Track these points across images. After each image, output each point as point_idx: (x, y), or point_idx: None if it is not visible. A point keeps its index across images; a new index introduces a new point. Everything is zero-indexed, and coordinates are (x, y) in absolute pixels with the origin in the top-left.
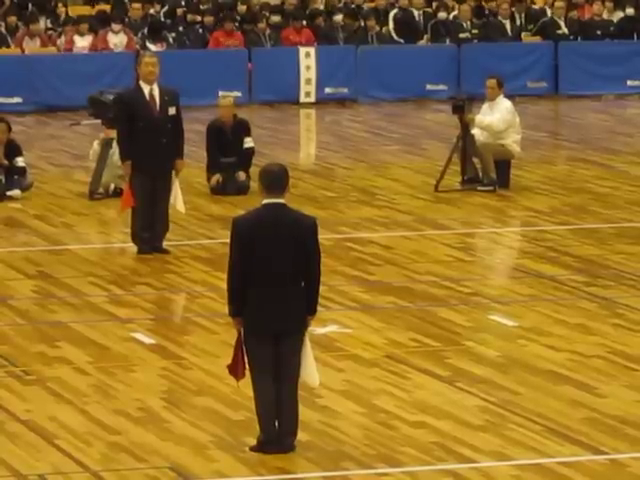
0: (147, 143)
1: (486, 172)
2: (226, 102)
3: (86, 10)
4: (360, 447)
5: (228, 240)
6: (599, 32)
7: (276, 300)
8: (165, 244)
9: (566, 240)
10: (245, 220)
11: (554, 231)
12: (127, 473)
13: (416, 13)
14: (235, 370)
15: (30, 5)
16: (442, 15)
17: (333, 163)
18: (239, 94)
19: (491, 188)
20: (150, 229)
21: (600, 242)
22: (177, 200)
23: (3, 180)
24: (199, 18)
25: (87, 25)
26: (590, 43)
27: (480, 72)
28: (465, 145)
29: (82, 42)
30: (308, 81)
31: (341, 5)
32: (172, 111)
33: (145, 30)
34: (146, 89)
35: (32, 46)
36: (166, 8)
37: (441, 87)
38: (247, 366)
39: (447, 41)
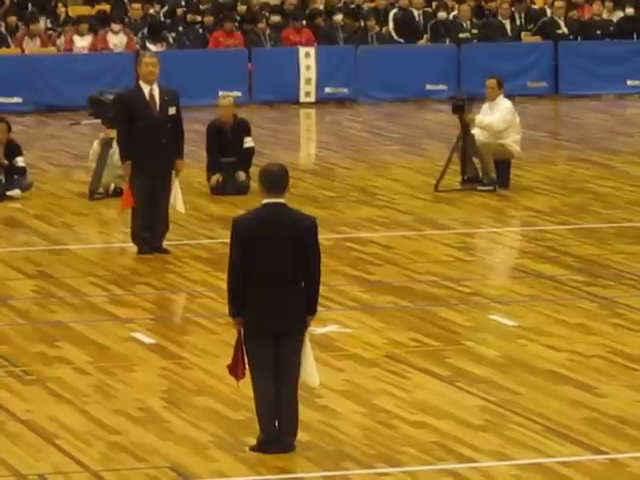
0: (147, 143)
1: (486, 172)
2: (226, 102)
3: (86, 10)
4: (360, 447)
5: (228, 240)
6: (599, 32)
7: (276, 300)
8: (165, 244)
9: (566, 240)
10: (245, 220)
11: (554, 231)
12: (127, 473)
13: (416, 13)
14: (235, 370)
15: (30, 5)
16: (442, 15)
17: (333, 163)
18: (239, 94)
19: (491, 188)
20: (150, 229)
21: (600, 242)
22: (177, 200)
23: (3, 180)
24: (199, 18)
25: (87, 25)
26: (590, 43)
27: (480, 72)
28: (465, 145)
29: (82, 42)
30: (308, 81)
31: (341, 5)
32: (172, 111)
33: (145, 30)
34: (146, 89)
35: (32, 46)
36: (166, 8)
37: (441, 87)
38: (247, 366)
39: (447, 41)
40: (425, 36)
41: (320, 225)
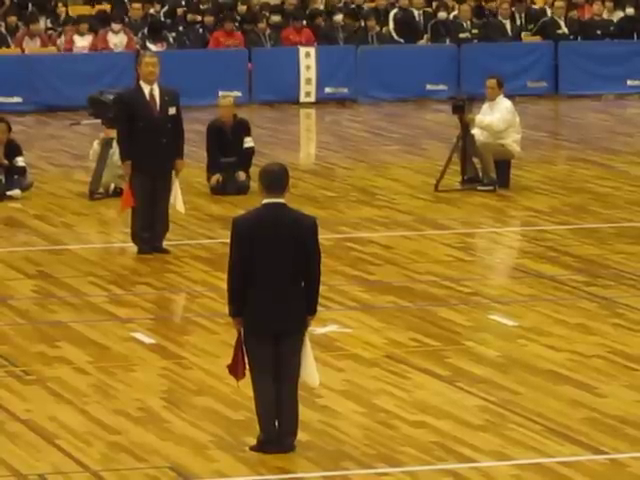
0: (147, 143)
1: (486, 172)
2: (226, 102)
3: (86, 10)
4: (360, 447)
5: (228, 240)
6: (599, 32)
7: (276, 300)
8: (165, 244)
9: (566, 240)
10: (245, 220)
11: (554, 231)
12: (127, 473)
13: (416, 13)
14: (235, 370)
15: (30, 5)
16: (442, 15)
17: (333, 163)
18: (239, 94)
19: (491, 188)
20: (150, 229)
21: (600, 242)
22: (177, 200)
23: (3, 180)
24: (199, 18)
25: (87, 25)
26: (590, 43)
27: (480, 72)
28: (465, 145)
29: (82, 42)
30: (308, 81)
31: (341, 5)
32: (172, 111)
33: (145, 30)
34: (146, 89)
35: (32, 46)
36: (166, 8)
37: (441, 87)
38: (247, 366)
39: (447, 41)
40: (425, 36)
41: (320, 225)
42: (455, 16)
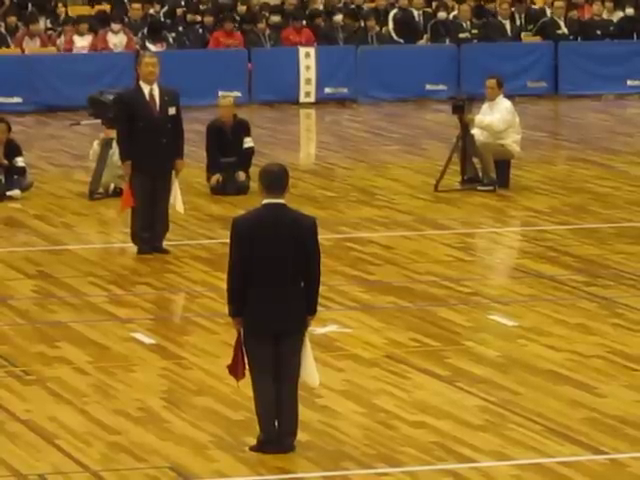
0: (147, 143)
1: (486, 172)
2: (226, 102)
3: (86, 10)
4: (360, 447)
5: (228, 240)
6: (599, 32)
7: (276, 300)
8: (165, 244)
9: (566, 240)
10: (245, 220)
11: (554, 231)
12: (127, 473)
13: (416, 13)
14: (235, 370)
15: (30, 5)
16: (442, 15)
17: (333, 163)
18: (239, 94)
19: (491, 188)
20: (150, 229)
21: (600, 242)
22: (177, 200)
23: (3, 180)
24: (199, 18)
25: (87, 25)
26: (590, 43)
27: (480, 72)
28: (465, 145)
29: (82, 42)
30: (308, 81)
31: (341, 5)
32: (172, 111)
33: (145, 30)
34: (146, 89)
35: (32, 46)
36: (166, 8)
37: (441, 87)
38: (247, 366)
39: (447, 41)
40: (425, 36)
41: (320, 225)
42: (455, 16)
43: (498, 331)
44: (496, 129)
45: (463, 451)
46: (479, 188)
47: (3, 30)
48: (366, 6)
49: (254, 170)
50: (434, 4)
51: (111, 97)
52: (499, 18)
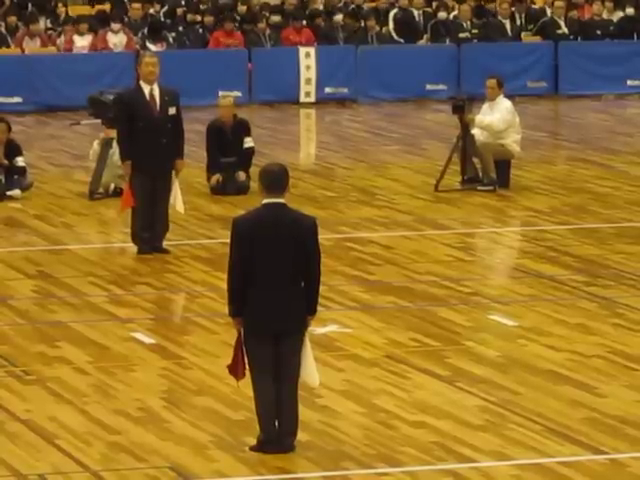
0: (147, 143)
1: (486, 172)
2: (226, 102)
3: (86, 10)
4: (360, 447)
5: (228, 240)
6: (599, 32)
7: (276, 300)
8: (165, 244)
9: (566, 240)
10: (245, 220)
11: (554, 231)
12: (127, 473)
13: (416, 13)
14: (235, 370)
15: (30, 5)
16: (442, 15)
17: (333, 163)
18: (239, 94)
19: (491, 188)
20: (150, 229)
21: (600, 242)
22: (177, 200)
23: (3, 180)
24: (199, 18)
25: (87, 25)
26: (590, 43)
27: (480, 72)
28: (465, 145)
29: (82, 42)
30: (308, 81)
31: (341, 5)
32: (172, 111)
33: (145, 30)
34: (146, 89)
35: (32, 46)
36: (166, 8)
37: (441, 87)
38: (247, 366)
39: (447, 41)
40: (425, 36)
41: (320, 225)
42: (455, 16)
43: (498, 331)
44: (496, 129)
45: (463, 451)
46: (479, 188)
47: (3, 30)
48: (366, 6)
49: (254, 170)
50: (434, 4)
51: (111, 97)
52: (499, 18)
